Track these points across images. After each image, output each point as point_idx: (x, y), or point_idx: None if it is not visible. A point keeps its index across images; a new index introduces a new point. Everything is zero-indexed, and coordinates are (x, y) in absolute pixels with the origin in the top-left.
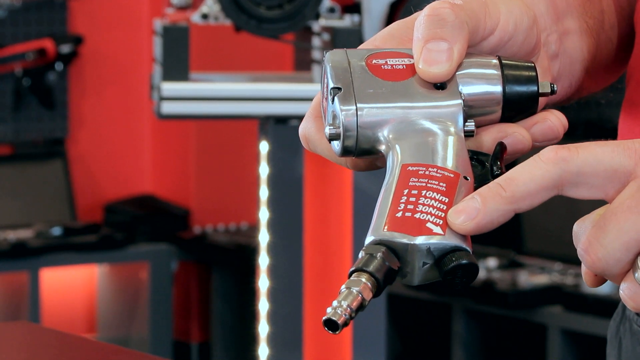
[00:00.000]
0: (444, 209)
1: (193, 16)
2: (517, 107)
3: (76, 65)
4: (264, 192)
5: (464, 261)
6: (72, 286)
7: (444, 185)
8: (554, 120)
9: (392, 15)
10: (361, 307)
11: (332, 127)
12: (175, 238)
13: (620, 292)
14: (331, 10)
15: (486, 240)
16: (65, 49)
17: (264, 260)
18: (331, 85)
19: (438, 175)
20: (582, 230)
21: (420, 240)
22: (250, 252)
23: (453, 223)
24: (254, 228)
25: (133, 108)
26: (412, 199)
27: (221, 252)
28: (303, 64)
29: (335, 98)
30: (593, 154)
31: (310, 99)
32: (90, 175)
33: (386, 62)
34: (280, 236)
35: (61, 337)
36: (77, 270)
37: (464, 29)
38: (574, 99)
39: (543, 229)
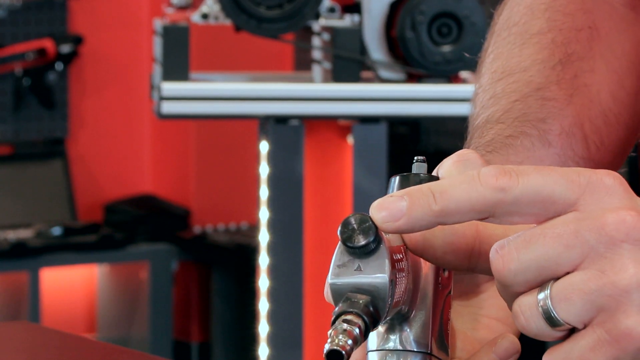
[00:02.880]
0: None
1: (193, 16)
2: None
3: (76, 65)
4: (264, 192)
5: None
6: (72, 286)
7: None
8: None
9: (392, 15)
10: (356, 341)
11: None
12: (175, 238)
13: (516, 306)
14: (331, 10)
15: None
16: (65, 49)
17: (264, 260)
18: None
19: None
20: (511, 231)
21: None
22: (250, 252)
23: (373, 216)
24: (254, 228)
25: (133, 108)
26: None
27: (221, 252)
28: (303, 64)
29: None
30: (533, 185)
31: (310, 99)
32: (90, 175)
33: None
34: (280, 236)
35: (61, 337)
36: (77, 270)
37: None
38: None
39: None
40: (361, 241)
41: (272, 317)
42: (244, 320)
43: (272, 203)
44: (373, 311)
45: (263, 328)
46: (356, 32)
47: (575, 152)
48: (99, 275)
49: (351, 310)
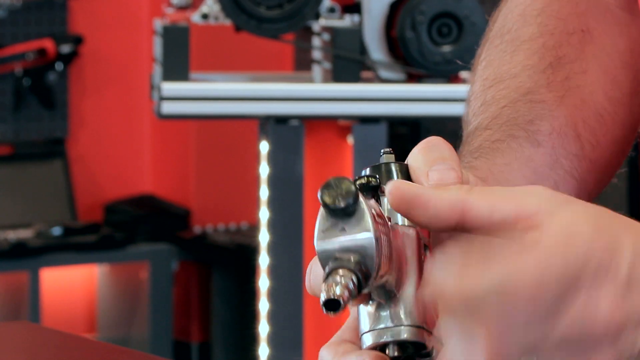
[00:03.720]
0: None
1: (193, 16)
2: None
3: (76, 65)
4: (264, 192)
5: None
6: (72, 286)
7: None
8: None
9: (392, 15)
10: (351, 293)
11: None
12: (175, 238)
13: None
14: (331, 10)
15: None
16: (65, 49)
17: (264, 260)
18: None
19: None
20: (497, 212)
21: None
22: (250, 252)
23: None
24: (254, 228)
25: (133, 108)
26: None
27: (221, 252)
28: (303, 64)
29: None
30: None
31: (310, 99)
32: (90, 175)
33: None
34: (280, 236)
35: (61, 337)
36: (77, 270)
37: None
38: None
39: None
40: (341, 203)
41: (272, 317)
42: (244, 320)
43: (272, 203)
44: (363, 269)
45: (263, 328)
46: (356, 32)
47: (568, 151)
48: (99, 275)
49: (342, 266)
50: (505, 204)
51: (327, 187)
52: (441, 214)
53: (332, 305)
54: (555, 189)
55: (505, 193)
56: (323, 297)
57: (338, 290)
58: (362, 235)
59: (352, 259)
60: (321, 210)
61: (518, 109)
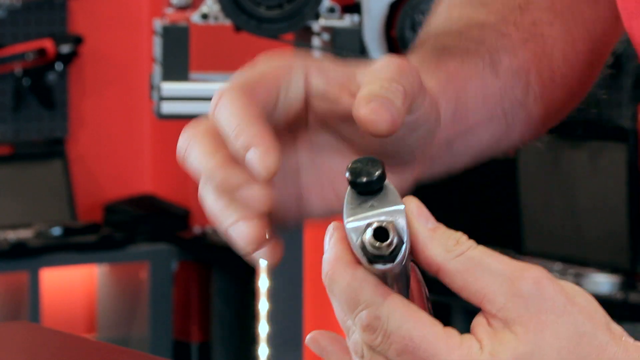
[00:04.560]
0: None
1: (193, 16)
2: None
3: (76, 65)
4: None
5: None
6: (72, 286)
7: None
8: None
9: (392, 15)
10: (393, 242)
11: None
12: (175, 238)
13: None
14: (331, 10)
15: (486, 239)
16: (65, 49)
17: (263, 260)
18: None
19: None
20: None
21: None
22: None
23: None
24: None
25: (133, 108)
26: None
27: (221, 252)
28: None
29: None
30: None
31: None
32: (90, 175)
33: None
34: (280, 236)
35: (61, 337)
36: (77, 270)
37: None
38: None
39: (543, 229)
40: (371, 179)
41: (272, 317)
42: (244, 320)
43: None
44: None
45: (263, 328)
46: (356, 32)
47: (515, 95)
48: (99, 275)
49: (381, 223)
50: (475, 286)
51: (354, 166)
52: (420, 263)
53: (382, 234)
54: (490, 129)
55: (480, 272)
56: (370, 232)
57: (384, 224)
58: (393, 207)
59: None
60: (348, 190)
61: (487, 34)
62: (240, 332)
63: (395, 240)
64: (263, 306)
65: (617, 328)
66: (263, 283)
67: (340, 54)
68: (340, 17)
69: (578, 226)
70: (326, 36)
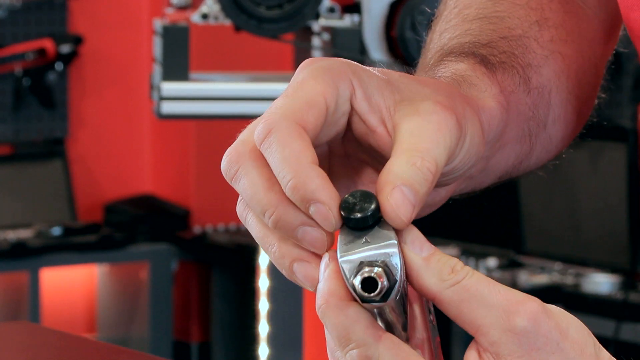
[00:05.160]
0: None
1: (193, 16)
2: None
3: (76, 65)
4: None
5: None
6: (72, 286)
7: None
8: None
9: (392, 15)
10: (383, 287)
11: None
12: (175, 238)
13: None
14: (331, 10)
15: (486, 239)
16: (65, 49)
17: (264, 260)
18: None
19: None
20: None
21: None
22: (250, 252)
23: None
24: None
25: (133, 108)
26: None
27: (221, 252)
28: None
29: None
30: None
31: None
32: (90, 175)
33: None
34: None
35: (61, 337)
36: (77, 270)
37: None
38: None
39: (543, 229)
40: (366, 214)
41: (272, 317)
42: (244, 320)
43: None
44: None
45: (263, 328)
46: (356, 32)
47: (539, 115)
48: (99, 275)
49: (371, 266)
50: (469, 317)
51: (348, 201)
52: (416, 291)
53: (370, 284)
54: (516, 149)
55: (475, 304)
56: (359, 280)
57: (374, 272)
58: (387, 244)
59: (377, 268)
60: (342, 225)
61: (514, 46)
62: (240, 332)
63: (385, 286)
64: (263, 306)
65: (604, 356)
66: (263, 283)
67: (340, 54)
68: (340, 17)
69: (578, 226)
70: (326, 36)
